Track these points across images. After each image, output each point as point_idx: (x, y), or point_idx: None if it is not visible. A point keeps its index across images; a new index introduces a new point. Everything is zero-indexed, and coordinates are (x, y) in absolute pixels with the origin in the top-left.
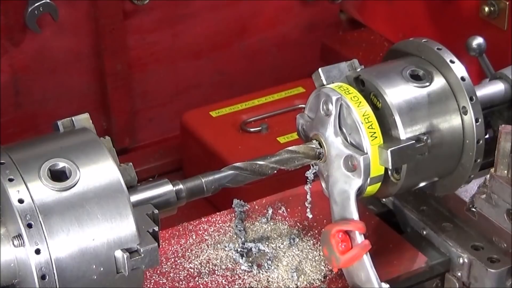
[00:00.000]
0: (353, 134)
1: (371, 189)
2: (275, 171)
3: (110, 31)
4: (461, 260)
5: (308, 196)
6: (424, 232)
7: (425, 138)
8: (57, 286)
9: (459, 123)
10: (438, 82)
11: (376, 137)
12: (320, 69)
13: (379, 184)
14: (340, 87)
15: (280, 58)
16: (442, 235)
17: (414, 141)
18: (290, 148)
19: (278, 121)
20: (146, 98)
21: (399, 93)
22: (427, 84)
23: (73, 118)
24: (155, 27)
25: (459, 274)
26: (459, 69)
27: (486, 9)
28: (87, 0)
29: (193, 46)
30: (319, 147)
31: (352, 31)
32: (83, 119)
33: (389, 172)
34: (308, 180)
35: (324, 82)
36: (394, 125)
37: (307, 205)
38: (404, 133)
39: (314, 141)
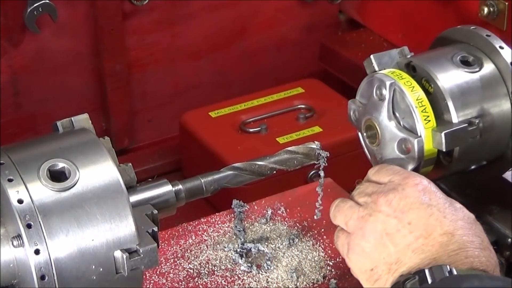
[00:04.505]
0: (406, 118)
1: (424, 171)
2: (275, 172)
3: (109, 31)
4: (508, 241)
5: (319, 199)
6: None
7: (477, 121)
8: (57, 287)
9: (509, 107)
10: (488, 67)
11: (429, 120)
12: (371, 56)
13: (432, 166)
14: (393, 72)
15: (279, 58)
16: (489, 217)
17: (466, 125)
18: (289, 148)
19: (278, 122)
20: (146, 98)
21: (450, 78)
22: (477, 69)
23: (72, 118)
24: (154, 27)
25: (507, 254)
26: (508, 55)
27: (486, 9)
28: (86, 1)
29: (192, 46)
30: (319, 148)
31: (351, 32)
32: (82, 120)
33: (441, 156)
34: (320, 178)
35: (376, 68)
36: (447, 109)
37: (317, 206)
38: (457, 117)
39: (315, 141)
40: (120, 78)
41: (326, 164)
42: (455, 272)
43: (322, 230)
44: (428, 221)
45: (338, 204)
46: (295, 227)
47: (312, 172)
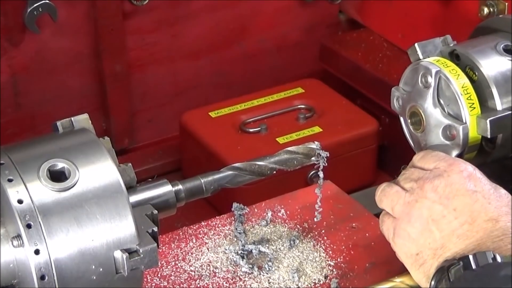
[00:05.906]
0: (451, 105)
1: (467, 157)
2: (274, 172)
3: (109, 31)
4: None
5: (318, 201)
6: None
7: None
8: (56, 287)
9: None
10: None
11: (474, 107)
12: (416, 44)
13: (475, 153)
14: (438, 60)
15: (279, 58)
16: None
17: (510, 112)
18: (289, 148)
19: (277, 122)
20: (145, 98)
21: (494, 66)
22: None
23: (72, 118)
24: (154, 27)
25: None
26: None
27: (486, 9)
28: (86, 1)
29: (192, 46)
30: (319, 148)
31: (351, 32)
32: (82, 120)
33: (483, 142)
34: (319, 179)
35: (421, 57)
36: (491, 96)
37: (317, 208)
38: (501, 104)
39: (315, 142)
40: (120, 78)
41: (326, 164)
42: (498, 259)
43: (323, 231)
44: (473, 207)
45: (384, 189)
46: (296, 229)
47: (312, 173)
